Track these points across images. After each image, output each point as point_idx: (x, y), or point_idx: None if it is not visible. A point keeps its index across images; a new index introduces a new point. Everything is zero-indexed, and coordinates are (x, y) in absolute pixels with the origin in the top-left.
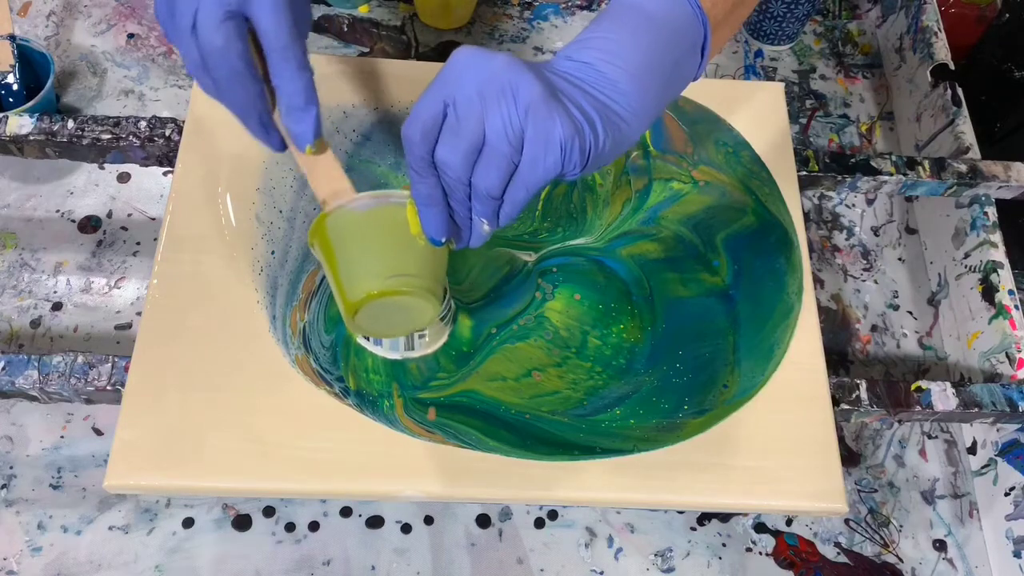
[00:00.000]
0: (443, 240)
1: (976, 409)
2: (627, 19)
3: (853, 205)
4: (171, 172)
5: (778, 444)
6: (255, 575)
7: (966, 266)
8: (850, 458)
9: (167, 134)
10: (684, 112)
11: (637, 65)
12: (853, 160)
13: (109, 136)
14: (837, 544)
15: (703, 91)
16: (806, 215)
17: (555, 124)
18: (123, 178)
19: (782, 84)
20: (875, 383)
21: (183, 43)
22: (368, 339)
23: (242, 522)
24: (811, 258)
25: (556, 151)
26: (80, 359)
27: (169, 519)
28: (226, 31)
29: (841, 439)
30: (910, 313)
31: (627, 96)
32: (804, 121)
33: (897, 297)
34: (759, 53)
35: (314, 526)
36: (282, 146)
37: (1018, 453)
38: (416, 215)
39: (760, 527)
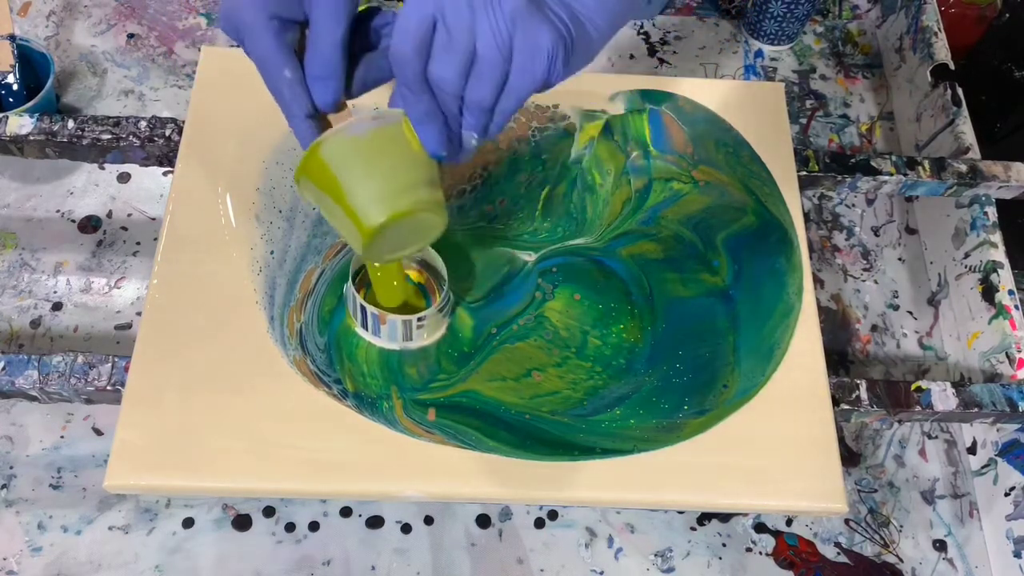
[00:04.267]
0: (444, 153)
1: (976, 409)
2: None
3: (853, 205)
4: (171, 172)
5: (778, 444)
6: (255, 575)
7: (966, 266)
8: (850, 458)
9: (167, 134)
10: (684, 112)
11: None
12: (853, 160)
13: (109, 136)
14: (837, 544)
15: (703, 91)
16: (806, 215)
17: (542, 31)
18: (123, 178)
19: (782, 84)
20: (875, 383)
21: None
22: (367, 330)
23: (242, 522)
24: (811, 258)
25: (544, 58)
26: (80, 359)
27: (169, 519)
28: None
29: (841, 439)
30: (910, 313)
31: (588, 7)
32: (804, 121)
33: (897, 297)
34: (759, 53)
35: (314, 526)
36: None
37: (1018, 453)
38: (414, 132)
39: (760, 527)
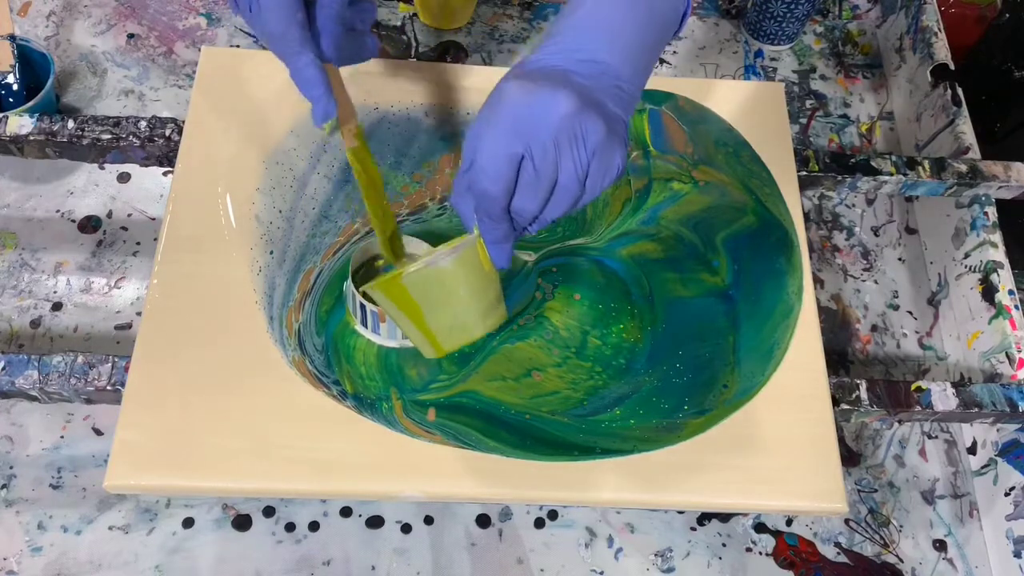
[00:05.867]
0: (509, 267)
1: (976, 409)
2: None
3: (853, 205)
4: (171, 172)
5: (778, 444)
6: (255, 575)
7: (966, 266)
8: (850, 458)
9: (167, 134)
10: (684, 112)
11: (637, 55)
12: (853, 160)
13: (109, 136)
14: (837, 544)
15: (703, 91)
16: (806, 215)
17: (616, 159)
18: (123, 178)
19: (782, 84)
20: (875, 383)
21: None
22: (366, 327)
23: (242, 522)
24: (811, 258)
25: (613, 177)
26: (80, 359)
27: (169, 519)
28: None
29: (841, 439)
30: (910, 313)
31: (631, 84)
32: (804, 121)
33: (897, 297)
34: (759, 53)
35: (314, 526)
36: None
37: (1018, 453)
38: (486, 251)
39: (760, 527)
